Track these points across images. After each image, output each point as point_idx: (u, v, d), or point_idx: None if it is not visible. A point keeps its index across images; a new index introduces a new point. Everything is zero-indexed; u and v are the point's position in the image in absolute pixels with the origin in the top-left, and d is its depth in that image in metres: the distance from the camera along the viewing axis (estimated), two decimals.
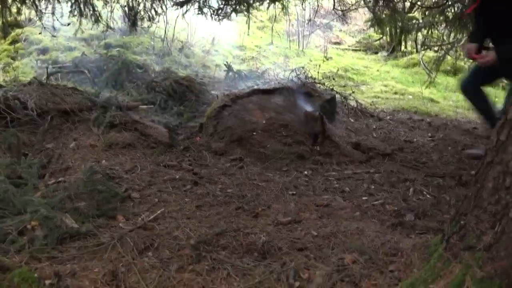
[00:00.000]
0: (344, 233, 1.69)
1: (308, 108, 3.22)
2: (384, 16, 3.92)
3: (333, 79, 4.90)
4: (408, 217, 1.92)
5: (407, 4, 4.42)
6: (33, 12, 3.85)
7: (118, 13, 4.35)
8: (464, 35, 3.80)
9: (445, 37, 4.38)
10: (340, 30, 8.33)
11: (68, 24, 4.32)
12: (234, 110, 3.07)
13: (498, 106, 3.03)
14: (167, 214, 1.90)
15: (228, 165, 2.74)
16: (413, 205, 2.07)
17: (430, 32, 4.28)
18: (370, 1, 3.90)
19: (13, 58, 4.62)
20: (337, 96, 3.97)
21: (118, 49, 4.82)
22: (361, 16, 7.13)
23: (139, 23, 4.24)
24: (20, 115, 2.52)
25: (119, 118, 2.76)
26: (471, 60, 2.50)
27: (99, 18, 3.80)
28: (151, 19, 4.14)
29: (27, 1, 3.47)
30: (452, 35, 4.13)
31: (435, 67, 4.48)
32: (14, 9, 3.77)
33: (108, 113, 2.79)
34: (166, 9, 4.12)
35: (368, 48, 7.40)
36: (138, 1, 3.94)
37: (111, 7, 3.96)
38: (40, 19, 3.80)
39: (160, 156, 2.69)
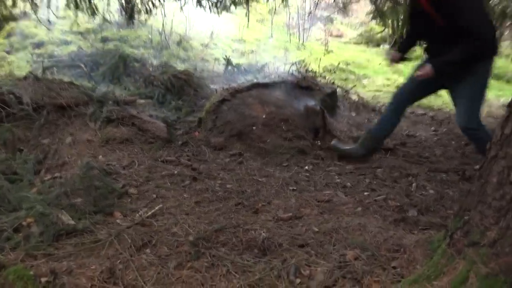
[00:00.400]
0: (346, 229, 1.69)
1: (309, 102, 3.20)
2: (386, 8, 3.88)
3: (334, 72, 4.94)
4: (411, 212, 1.91)
5: None
6: (28, 5, 3.77)
7: (114, 6, 4.32)
8: None
9: None
10: (341, 23, 8.21)
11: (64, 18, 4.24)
12: (234, 104, 3.06)
13: (503, 100, 3.04)
14: (166, 210, 1.90)
15: (228, 160, 2.73)
16: (416, 201, 2.05)
17: None
18: None
19: (8, 52, 4.57)
20: (338, 90, 3.94)
21: (115, 42, 4.84)
22: (363, 8, 7.11)
23: (136, 16, 4.19)
24: (15, 110, 2.50)
25: (116, 113, 2.74)
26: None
27: (96, 11, 3.75)
28: (148, 12, 4.08)
29: None
30: None
31: None
32: (9, 2, 3.70)
33: (105, 107, 2.77)
34: (164, 1, 4.08)
35: (370, 41, 7.32)
36: None
37: None
38: (35, 12, 3.75)
39: (158, 151, 2.68)
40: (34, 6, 3.62)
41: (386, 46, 7.60)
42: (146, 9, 4.06)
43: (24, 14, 5.02)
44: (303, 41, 6.86)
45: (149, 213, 1.83)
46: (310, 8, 6.44)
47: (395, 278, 1.32)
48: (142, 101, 3.64)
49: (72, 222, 1.62)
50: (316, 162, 2.76)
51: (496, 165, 1.13)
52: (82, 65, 4.10)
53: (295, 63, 4.28)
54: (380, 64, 5.92)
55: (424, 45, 2.37)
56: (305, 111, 3.16)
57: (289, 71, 4.16)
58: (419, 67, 2.24)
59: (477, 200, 1.17)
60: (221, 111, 3.08)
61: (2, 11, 4.10)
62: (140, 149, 2.63)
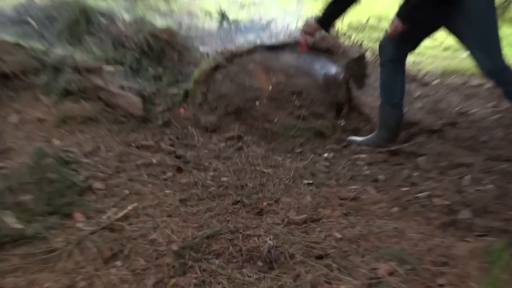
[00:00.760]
0: (378, 236, 1.71)
1: (329, 69, 3.24)
2: None
3: (363, 31, 5.01)
4: (463, 214, 1.91)
5: None
6: None
7: None
8: None
9: None
10: None
11: None
12: (231, 72, 3.11)
13: None
14: (141, 210, 1.92)
15: (223, 145, 2.80)
16: (470, 198, 2.04)
17: None
18: None
19: None
20: (368, 53, 3.99)
21: None
22: None
23: None
24: None
25: (76, 84, 2.75)
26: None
27: None
28: None
29: None
30: None
31: (499, 15, 4.19)
32: None
33: (62, 76, 2.77)
34: None
35: None
36: None
37: None
38: None
39: (132, 134, 2.72)
40: None
41: None
42: None
43: None
44: None
45: (120, 214, 1.84)
46: None
47: None
48: (110, 68, 3.59)
49: (19, 225, 1.62)
50: (338, 149, 2.82)
51: None
52: (32, 21, 4.05)
53: (311, 18, 4.10)
54: None
55: None
56: (324, 82, 3.17)
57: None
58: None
59: None
60: (214, 81, 3.12)
61: None
62: (107, 130, 2.66)
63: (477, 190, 2.16)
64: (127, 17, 4.49)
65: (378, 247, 1.62)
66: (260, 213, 1.97)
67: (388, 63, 2.65)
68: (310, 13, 4.85)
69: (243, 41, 4.12)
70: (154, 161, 2.42)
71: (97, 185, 2.10)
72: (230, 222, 1.84)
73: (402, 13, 2.33)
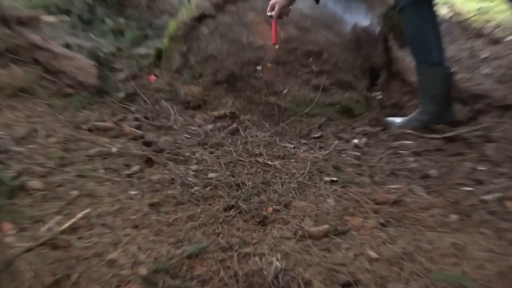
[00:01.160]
0: (429, 254, 1.70)
1: (361, 20, 3.28)
2: None
3: None
4: None
5: None
6: None
7: None
8: None
9: None
10: None
11: None
12: (221, 25, 3.15)
13: None
14: (96, 219, 1.93)
15: (210, 127, 2.88)
16: None
17: None
18: None
19: None
20: None
21: None
22: None
23: None
24: None
25: (3, 41, 2.76)
26: None
27: None
28: None
29: None
30: None
31: None
32: None
33: None
34: None
35: None
36: None
37: None
38: None
39: (82, 112, 2.77)
40: None
41: None
42: None
43: None
44: None
45: (66, 224, 1.83)
46: None
47: None
48: (51, 18, 3.59)
49: None
50: (373, 132, 2.87)
51: None
52: None
53: None
54: None
55: None
56: (353, 38, 3.19)
57: None
58: None
59: None
60: (198, 37, 3.18)
61: None
62: (48, 107, 2.69)
63: None
64: None
65: (429, 270, 1.62)
66: (263, 222, 1.97)
67: (409, 7, 2.69)
68: None
69: None
70: (114, 149, 2.45)
71: (34, 183, 2.09)
72: (220, 236, 1.84)
73: None
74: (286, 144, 2.68)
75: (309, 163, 2.44)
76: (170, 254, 1.72)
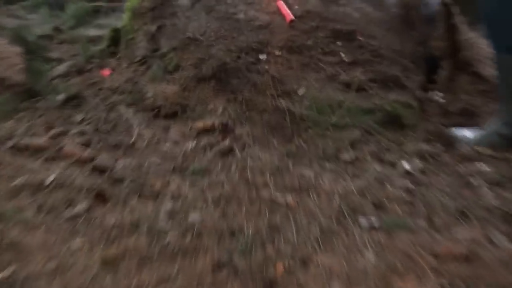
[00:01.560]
0: None
1: None
2: None
3: None
4: None
5: None
6: None
7: None
8: None
9: None
10: None
11: None
12: (208, 1, 3.02)
13: None
14: (25, 281, 1.69)
15: (192, 145, 2.62)
16: None
17: None
18: None
19: None
20: None
21: None
22: None
23: None
24: None
25: None
26: None
27: None
28: None
29: None
30: None
31: None
32: None
33: None
34: None
35: None
36: None
37: None
38: None
39: (3, 123, 2.59)
40: None
41: None
42: None
43: None
44: None
45: None
46: None
47: None
48: None
49: None
50: (432, 152, 2.58)
51: None
52: None
53: None
54: None
55: None
56: (401, 10, 2.96)
57: None
58: None
59: None
60: (173, 11, 2.97)
61: None
62: None
63: None
64: None
65: None
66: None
67: None
68: None
69: None
70: (50, 179, 2.23)
71: None
72: None
73: None
74: (304, 171, 2.40)
75: (337, 199, 2.21)
76: None
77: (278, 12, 2.89)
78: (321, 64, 2.81)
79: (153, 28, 2.91)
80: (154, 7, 2.95)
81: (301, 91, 2.76)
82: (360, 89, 2.77)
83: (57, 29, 3.09)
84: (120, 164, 2.38)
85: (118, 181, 2.27)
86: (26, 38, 2.79)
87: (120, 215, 2.07)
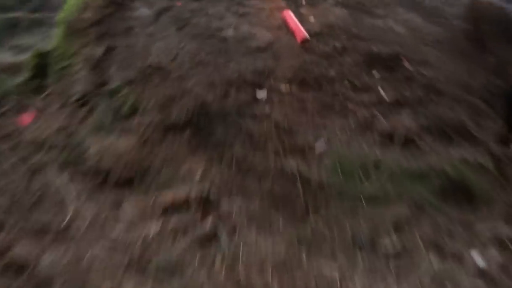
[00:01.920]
0: None
1: None
2: None
3: None
4: None
5: None
6: None
7: None
8: None
9: None
10: None
11: None
12: (177, 11, 2.54)
13: None
14: None
15: (155, 229, 2.17)
16: None
17: None
18: None
19: None
20: None
21: None
22: None
23: None
24: None
25: None
26: None
27: None
28: None
29: None
30: None
31: None
32: None
33: None
34: None
35: None
36: None
37: None
38: None
39: None
40: None
41: None
42: None
43: None
44: None
45: None
46: None
47: None
48: None
49: None
50: None
51: None
52: None
53: None
54: None
55: None
56: (469, 23, 2.52)
57: None
58: None
59: None
60: (127, 26, 2.48)
61: None
62: None
63: None
64: None
65: None
66: None
67: None
68: None
69: None
70: None
71: None
72: None
73: None
74: (324, 267, 1.99)
75: None
76: None
77: (285, 27, 2.41)
78: (349, 105, 2.34)
79: (98, 51, 2.48)
80: (100, 19, 2.51)
81: (319, 146, 2.28)
82: (407, 142, 2.29)
83: None
84: (48, 257, 2.03)
85: (45, 284, 1.94)
86: None
87: None
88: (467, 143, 2.36)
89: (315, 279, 1.95)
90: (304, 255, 2.05)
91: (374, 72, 2.42)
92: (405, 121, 2.38)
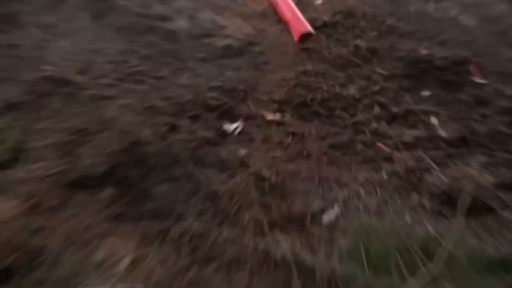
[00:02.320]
0: None
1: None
2: None
3: None
4: None
5: None
6: None
7: None
8: None
9: None
10: None
11: None
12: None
13: None
14: None
15: None
16: None
17: None
18: None
19: None
20: None
21: None
22: None
23: None
24: None
25: None
26: None
27: None
28: None
29: None
30: None
31: None
32: None
33: None
34: None
35: None
36: None
37: None
38: None
39: None
40: None
41: None
42: None
43: None
44: None
45: None
46: None
47: None
48: None
49: None
50: None
51: None
52: None
53: None
54: None
55: None
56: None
57: None
58: None
59: None
60: (12, 25, 2.16)
61: None
62: None
63: None
64: None
65: None
66: None
67: None
68: None
69: None
70: None
71: None
72: None
73: None
74: None
75: None
76: None
77: (274, 14, 2.10)
78: (380, 146, 1.73)
79: None
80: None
81: (329, 216, 1.59)
82: (478, 208, 1.60)
83: None
84: None
85: None
86: None
87: None
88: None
89: None
90: None
91: (424, 91, 1.71)
92: (475, 173, 1.74)
